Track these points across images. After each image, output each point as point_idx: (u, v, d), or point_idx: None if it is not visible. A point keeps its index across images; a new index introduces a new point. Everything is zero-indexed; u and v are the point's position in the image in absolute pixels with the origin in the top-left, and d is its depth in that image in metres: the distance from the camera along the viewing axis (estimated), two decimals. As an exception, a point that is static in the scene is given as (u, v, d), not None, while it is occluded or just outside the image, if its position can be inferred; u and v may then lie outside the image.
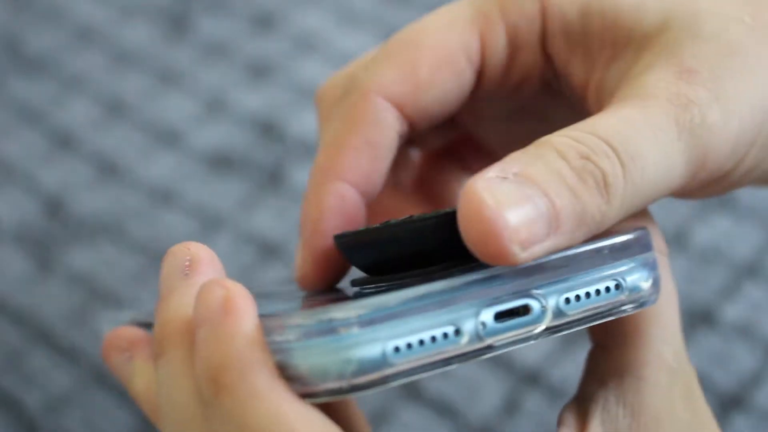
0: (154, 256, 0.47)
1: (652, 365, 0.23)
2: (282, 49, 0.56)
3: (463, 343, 0.20)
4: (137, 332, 0.27)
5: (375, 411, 0.40)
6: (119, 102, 0.55)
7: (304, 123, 0.52)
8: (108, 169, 0.51)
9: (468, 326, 0.20)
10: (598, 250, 0.22)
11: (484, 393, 0.39)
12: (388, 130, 0.27)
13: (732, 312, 0.41)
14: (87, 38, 0.59)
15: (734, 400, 0.38)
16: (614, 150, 0.21)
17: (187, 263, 0.22)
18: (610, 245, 0.22)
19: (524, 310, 0.21)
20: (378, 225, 0.23)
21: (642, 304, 0.22)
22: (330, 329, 0.19)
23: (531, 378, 0.40)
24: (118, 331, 0.27)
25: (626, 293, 0.22)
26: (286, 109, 0.53)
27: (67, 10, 0.60)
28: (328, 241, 0.26)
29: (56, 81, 0.56)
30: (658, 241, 0.25)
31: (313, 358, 0.19)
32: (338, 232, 0.26)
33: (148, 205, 0.49)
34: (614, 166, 0.21)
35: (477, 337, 0.20)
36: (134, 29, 0.59)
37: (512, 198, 0.20)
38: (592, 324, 0.22)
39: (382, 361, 0.19)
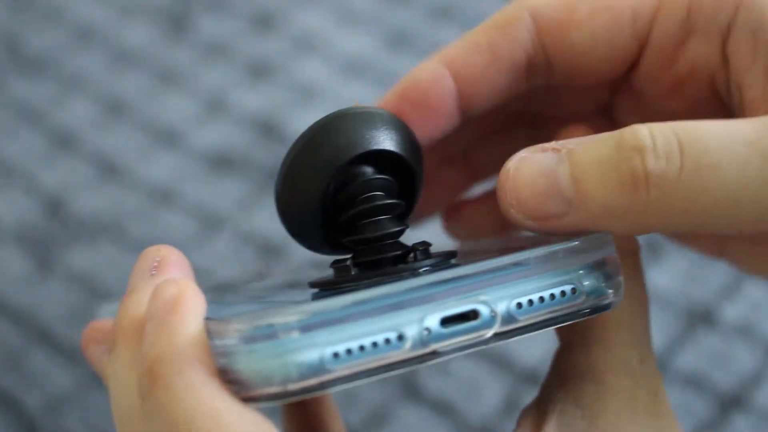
0: (154, 256, 0.47)
1: (615, 371, 0.23)
2: (282, 49, 0.56)
3: (406, 349, 0.19)
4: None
5: (375, 411, 0.40)
6: (119, 102, 0.55)
7: (304, 123, 0.52)
8: (108, 169, 0.51)
9: (411, 332, 0.19)
10: (554, 253, 0.21)
11: (484, 393, 0.39)
12: (514, 38, 0.26)
13: (732, 312, 0.41)
14: (87, 38, 0.59)
15: (734, 400, 0.38)
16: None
17: (155, 264, 0.22)
18: (566, 248, 0.21)
19: (473, 315, 0.20)
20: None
21: (601, 309, 0.22)
22: (270, 334, 0.19)
23: (531, 378, 0.40)
24: (95, 323, 0.27)
25: (582, 297, 0.21)
26: (286, 109, 0.53)
27: (67, 10, 0.60)
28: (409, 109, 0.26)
29: (56, 81, 0.56)
30: (628, 240, 0.24)
31: (252, 362, 0.19)
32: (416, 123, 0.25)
33: (148, 205, 0.49)
34: (668, 172, 0.20)
35: (421, 342, 0.20)
36: (134, 29, 0.59)
37: (534, 170, 0.21)
38: (548, 329, 0.21)
39: (319, 367, 0.19)
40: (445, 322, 0.20)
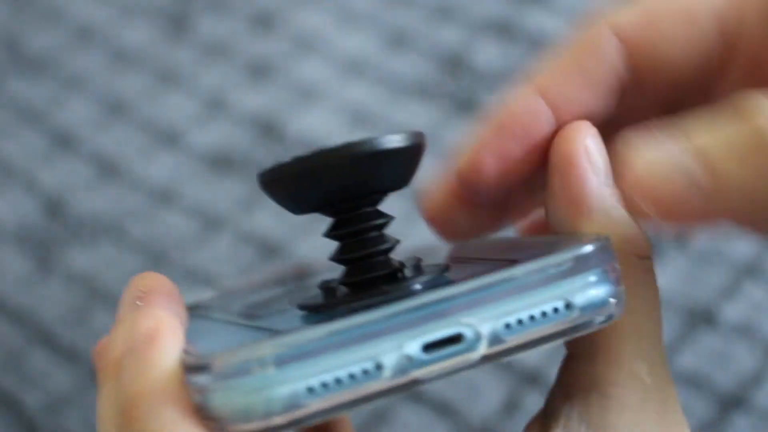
0: (154, 256, 0.47)
1: (623, 384, 0.22)
2: (282, 49, 0.56)
3: (385, 379, 0.19)
4: None
5: (375, 411, 0.40)
6: (119, 102, 0.55)
7: (304, 123, 0.52)
8: (108, 169, 0.51)
9: (389, 360, 0.19)
10: (543, 268, 0.20)
11: (484, 393, 0.39)
12: (605, 61, 0.25)
13: (732, 312, 0.41)
14: (87, 38, 0.59)
15: (734, 400, 0.38)
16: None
17: (141, 294, 0.22)
18: (557, 261, 0.20)
19: (457, 338, 0.19)
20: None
21: (600, 323, 0.20)
22: (244, 370, 0.18)
23: (531, 378, 0.40)
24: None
25: (577, 312, 0.20)
26: (286, 109, 0.53)
27: (66, 10, 0.60)
28: (506, 143, 0.25)
29: (56, 81, 0.56)
30: (636, 245, 0.23)
31: (227, 399, 0.18)
32: (515, 142, 0.25)
33: (148, 205, 0.49)
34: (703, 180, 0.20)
35: (400, 371, 0.19)
36: (134, 29, 0.59)
37: (667, 165, 0.20)
38: (542, 347, 0.20)
39: (293, 403, 0.18)
40: (429, 347, 0.19)
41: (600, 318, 0.20)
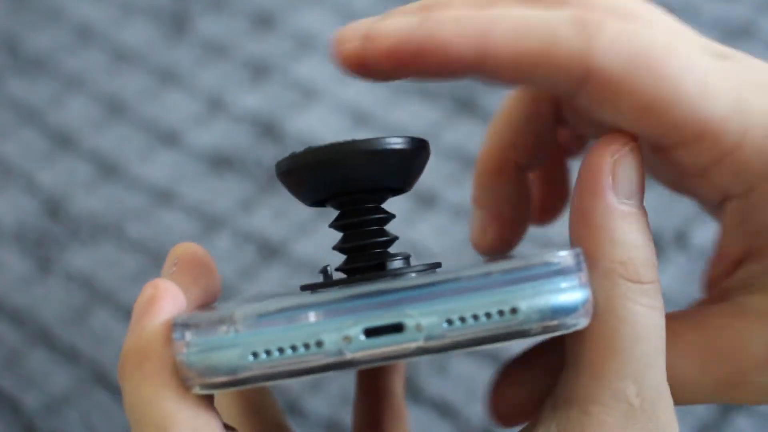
0: (154, 256, 0.47)
1: (605, 402, 0.22)
2: (282, 49, 0.56)
3: (323, 355, 0.21)
4: None
5: (375, 411, 0.40)
6: (119, 102, 0.55)
7: (303, 122, 0.52)
8: (107, 169, 0.51)
9: (330, 339, 0.21)
10: (492, 273, 0.21)
11: (485, 393, 0.39)
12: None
13: (732, 312, 0.41)
14: (86, 38, 0.59)
15: (734, 401, 0.38)
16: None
17: (149, 299, 0.23)
18: (512, 267, 0.21)
19: (399, 327, 0.21)
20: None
21: (552, 330, 0.21)
22: (206, 332, 0.21)
23: (531, 378, 0.40)
24: None
25: (522, 317, 0.21)
26: (285, 109, 0.53)
27: (66, 9, 0.60)
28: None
29: (55, 81, 0.56)
30: (631, 269, 0.22)
31: (190, 356, 0.21)
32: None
33: (148, 205, 0.49)
34: None
35: (338, 351, 0.21)
36: (134, 29, 0.59)
37: None
38: (483, 346, 0.21)
39: (238, 366, 0.21)
40: (370, 332, 0.21)
41: (552, 326, 0.21)
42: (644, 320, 0.22)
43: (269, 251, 0.47)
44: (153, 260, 0.46)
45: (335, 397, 0.40)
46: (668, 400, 0.22)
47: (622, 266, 0.22)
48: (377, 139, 0.23)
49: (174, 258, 0.25)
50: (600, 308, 0.22)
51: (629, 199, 0.23)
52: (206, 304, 0.25)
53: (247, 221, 0.48)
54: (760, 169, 0.23)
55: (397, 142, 0.23)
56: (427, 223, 0.46)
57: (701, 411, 0.38)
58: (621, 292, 0.22)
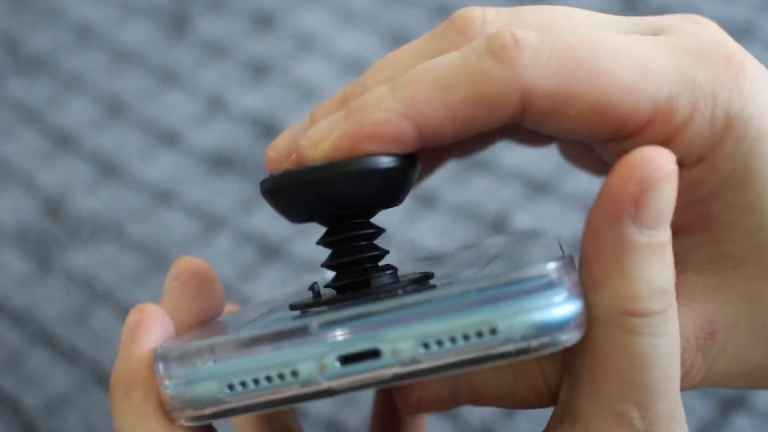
0: (154, 256, 0.47)
1: (607, 420, 0.21)
2: (282, 49, 0.56)
3: (299, 385, 0.20)
4: None
5: (375, 411, 0.40)
6: (119, 102, 0.55)
7: (303, 123, 0.52)
8: (108, 169, 0.51)
9: (305, 369, 0.20)
10: (476, 289, 0.20)
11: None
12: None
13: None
14: (86, 38, 0.59)
15: (734, 400, 0.38)
16: None
17: (135, 325, 0.23)
18: (490, 284, 0.20)
19: (375, 353, 0.20)
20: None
21: (538, 349, 0.20)
22: (185, 363, 0.21)
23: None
24: None
25: (502, 337, 0.19)
26: (285, 109, 0.53)
27: (66, 9, 0.60)
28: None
29: (55, 81, 0.56)
30: (630, 300, 0.21)
31: (170, 388, 0.21)
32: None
33: (148, 205, 0.49)
34: None
35: (314, 380, 0.20)
36: (134, 29, 0.59)
37: None
38: (464, 371, 0.20)
39: (215, 399, 0.21)
40: (348, 360, 0.20)
41: (533, 346, 0.20)
42: (646, 350, 0.21)
43: (269, 251, 0.47)
44: (153, 260, 0.46)
45: (336, 397, 0.40)
46: (680, 421, 0.21)
47: (626, 301, 0.21)
48: (365, 158, 0.22)
49: (176, 273, 0.24)
50: (597, 326, 0.21)
51: (653, 230, 0.20)
52: (208, 319, 0.25)
53: (247, 221, 0.48)
54: (710, 140, 0.22)
55: (384, 162, 0.22)
56: (427, 223, 0.46)
57: (701, 411, 0.38)
58: (620, 323, 0.21)
